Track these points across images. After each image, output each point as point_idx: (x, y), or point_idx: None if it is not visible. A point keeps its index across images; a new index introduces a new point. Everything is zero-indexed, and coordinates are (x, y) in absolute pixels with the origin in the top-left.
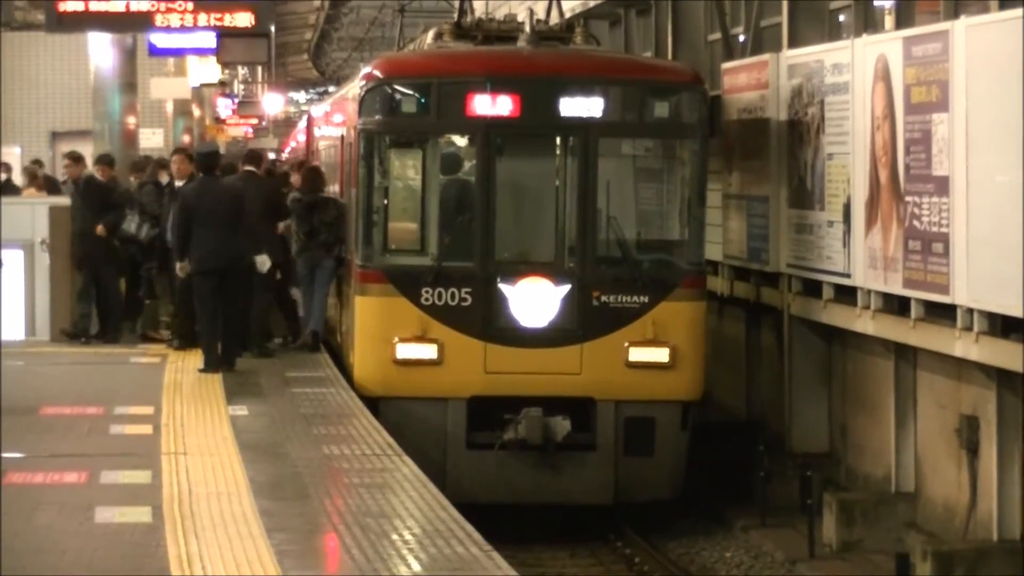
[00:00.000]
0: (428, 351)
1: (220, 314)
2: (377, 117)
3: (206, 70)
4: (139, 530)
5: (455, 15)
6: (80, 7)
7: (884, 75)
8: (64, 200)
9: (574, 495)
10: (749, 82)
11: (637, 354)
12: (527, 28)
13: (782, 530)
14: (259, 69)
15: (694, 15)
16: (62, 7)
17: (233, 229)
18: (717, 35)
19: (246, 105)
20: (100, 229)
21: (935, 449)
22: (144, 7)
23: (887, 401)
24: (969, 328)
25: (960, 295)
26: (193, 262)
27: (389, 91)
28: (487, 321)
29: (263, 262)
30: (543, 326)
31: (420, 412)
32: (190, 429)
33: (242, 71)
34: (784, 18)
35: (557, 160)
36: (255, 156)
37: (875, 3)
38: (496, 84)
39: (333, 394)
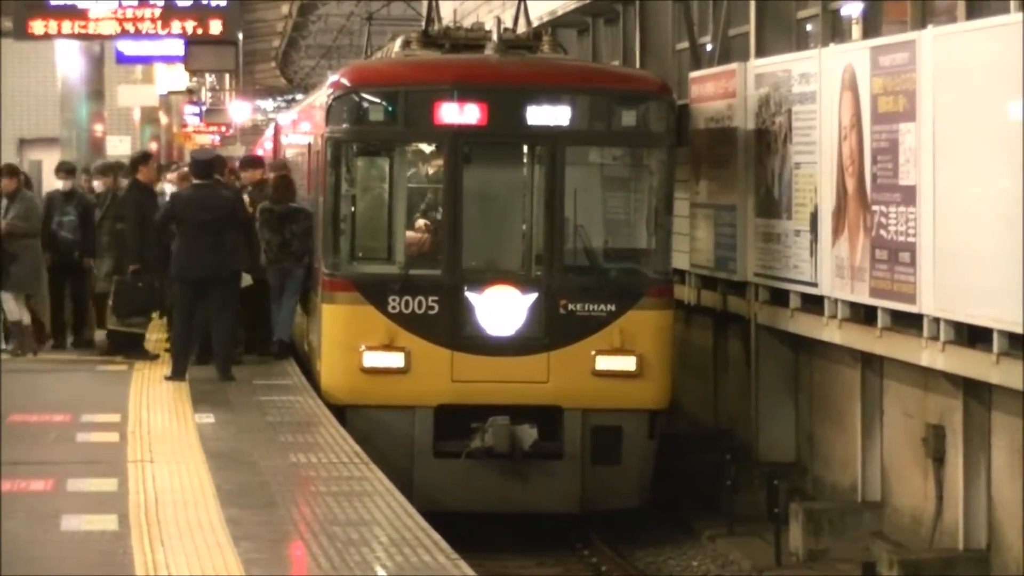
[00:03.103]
0: (395, 359)
1: (198, 323)
2: (345, 125)
3: (174, 78)
4: (106, 538)
5: (423, 23)
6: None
7: (851, 84)
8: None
9: (541, 503)
10: (716, 91)
11: (604, 363)
12: (494, 36)
13: (749, 539)
14: (227, 77)
15: (662, 24)
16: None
17: (218, 239)
18: (685, 44)
19: (213, 113)
20: None
21: (901, 458)
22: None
23: (854, 410)
24: (936, 337)
25: (927, 304)
26: (174, 268)
27: (357, 99)
28: (454, 329)
29: (245, 280)
30: (510, 335)
31: (387, 420)
32: (157, 437)
33: (210, 79)
34: (751, 27)
35: (524, 169)
36: (220, 162)
37: (842, 13)
38: (463, 92)
39: (300, 402)
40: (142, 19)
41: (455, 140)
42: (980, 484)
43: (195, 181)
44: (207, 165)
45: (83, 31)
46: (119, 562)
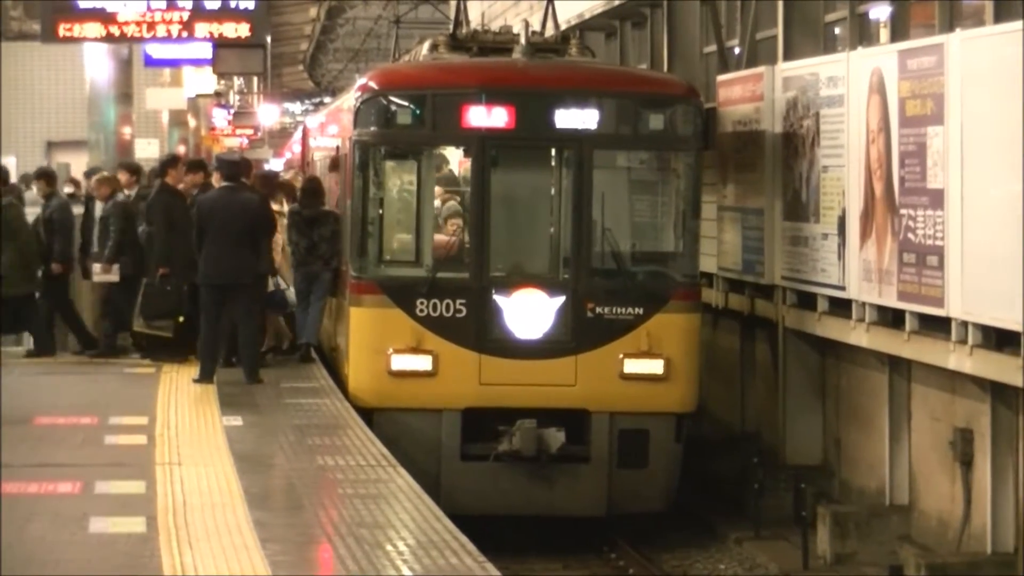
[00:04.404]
0: (423, 362)
1: (225, 326)
2: (372, 128)
3: (202, 81)
4: (133, 540)
5: (450, 27)
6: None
7: (879, 88)
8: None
9: (568, 507)
10: (744, 95)
11: (631, 366)
12: (522, 40)
13: (776, 543)
14: (255, 80)
15: (689, 27)
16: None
17: (242, 243)
18: (712, 47)
19: (241, 116)
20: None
21: (929, 462)
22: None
23: (881, 414)
24: (963, 341)
25: (954, 308)
26: (199, 274)
27: (384, 102)
28: (482, 333)
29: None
30: (537, 338)
31: (414, 423)
32: (184, 439)
33: (238, 82)
34: (779, 31)
35: (552, 172)
36: (247, 166)
37: (870, 16)
38: (491, 96)
39: (327, 405)
40: (170, 22)
41: (483, 143)
42: (1008, 487)
43: (222, 183)
44: (234, 166)
45: (111, 34)
46: (146, 564)
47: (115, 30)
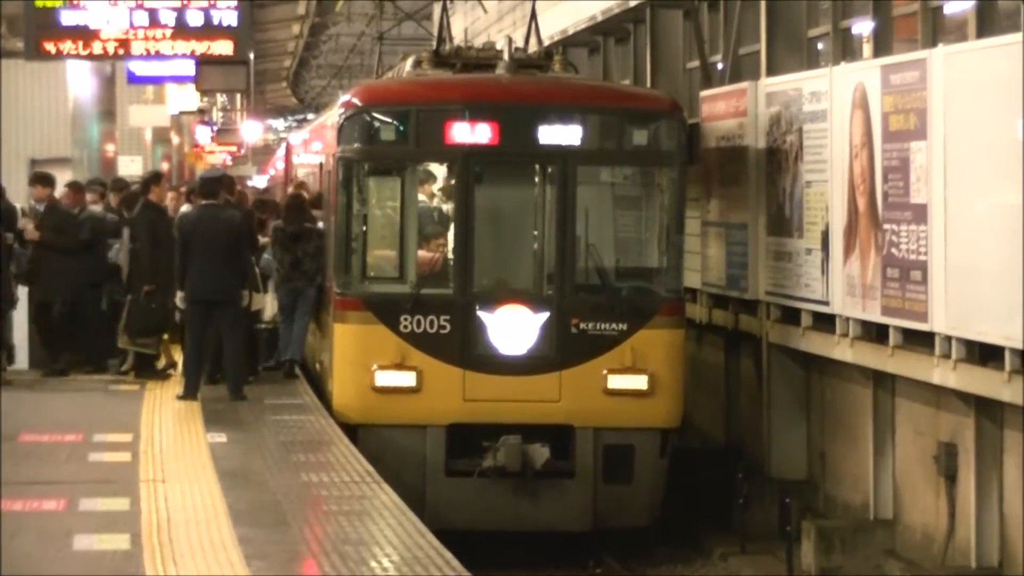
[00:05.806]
0: (407, 378)
1: (208, 344)
2: (356, 145)
3: (185, 98)
4: (118, 557)
5: (434, 43)
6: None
7: (862, 103)
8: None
9: (553, 522)
10: (727, 110)
11: (616, 381)
12: (505, 56)
13: (761, 557)
14: (238, 97)
15: (672, 43)
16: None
17: (227, 260)
18: (695, 63)
19: (225, 132)
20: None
21: (913, 476)
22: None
23: (865, 428)
24: (947, 355)
25: (938, 323)
26: (186, 291)
27: (368, 119)
28: (466, 348)
29: (257, 301)
30: (522, 354)
31: (399, 439)
32: (169, 456)
33: (221, 99)
34: (762, 46)
35: (536, 188)
36: (229, 182)
37: (853, 31)
38: (475, 112)
39: (312, 421)
40: (153, 39)
41: (466, 159)
42: (992, 502)
43: (202, 201)
44: (213, 183)
45: (94, 51)
46: None
47: (98, 47)
